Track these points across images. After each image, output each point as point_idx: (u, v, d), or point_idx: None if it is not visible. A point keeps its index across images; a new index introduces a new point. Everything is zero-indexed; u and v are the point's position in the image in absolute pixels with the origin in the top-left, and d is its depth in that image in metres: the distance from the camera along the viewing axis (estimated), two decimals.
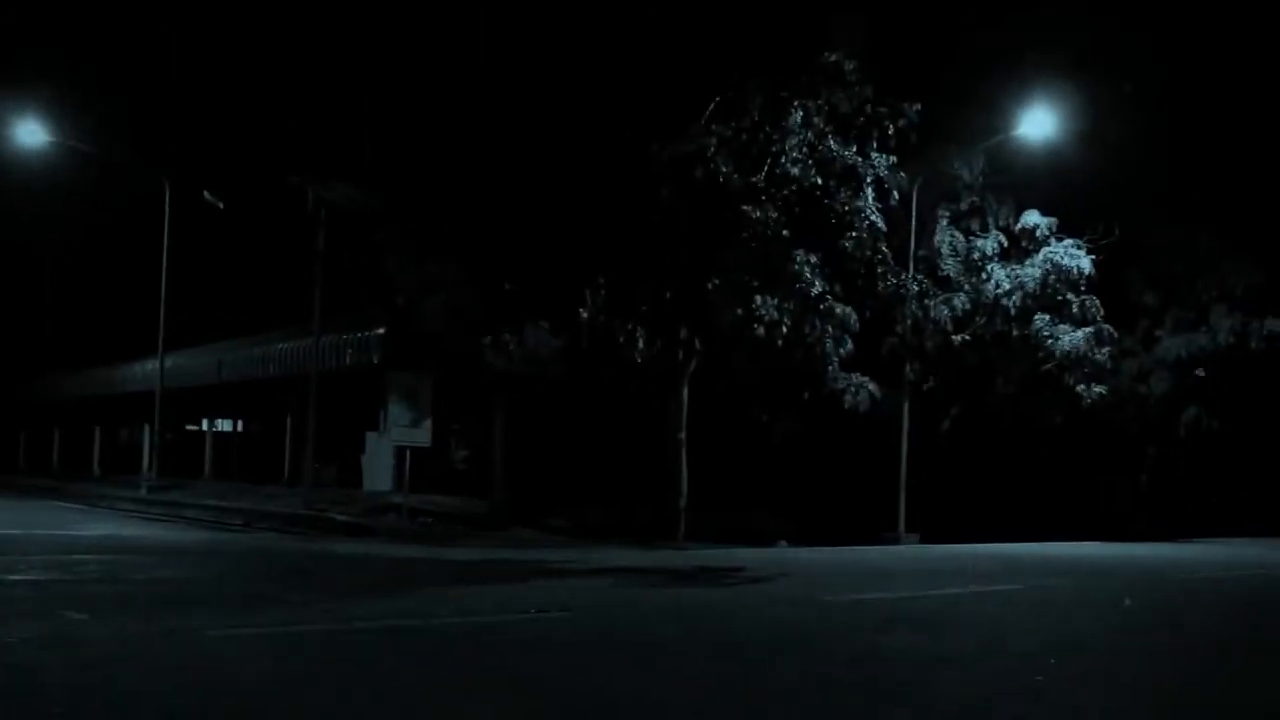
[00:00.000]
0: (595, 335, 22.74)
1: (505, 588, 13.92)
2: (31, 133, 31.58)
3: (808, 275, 22.89)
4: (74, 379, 52.21)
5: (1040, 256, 28.72)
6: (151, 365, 37.17)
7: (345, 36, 27.93)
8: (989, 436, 32.69)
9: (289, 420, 35.95)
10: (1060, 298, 28.66)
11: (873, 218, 23.56)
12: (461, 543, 22.05)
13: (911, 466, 27.49)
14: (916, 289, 27.34)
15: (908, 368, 28.05)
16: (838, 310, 23.86)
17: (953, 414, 31.36)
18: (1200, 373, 32.63)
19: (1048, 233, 28.94)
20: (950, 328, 28.74)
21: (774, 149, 22.46)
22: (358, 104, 25.60)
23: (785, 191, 22.61)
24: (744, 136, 22.40)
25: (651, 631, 10.58)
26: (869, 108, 23.38)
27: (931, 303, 28.34)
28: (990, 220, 29.46)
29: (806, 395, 25.28)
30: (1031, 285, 28.52)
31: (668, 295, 23.16)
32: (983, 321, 29.15)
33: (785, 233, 22.56)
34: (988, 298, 28.86)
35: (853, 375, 25.30)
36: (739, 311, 22.69)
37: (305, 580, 14.30)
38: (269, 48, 39.01)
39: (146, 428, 43.28)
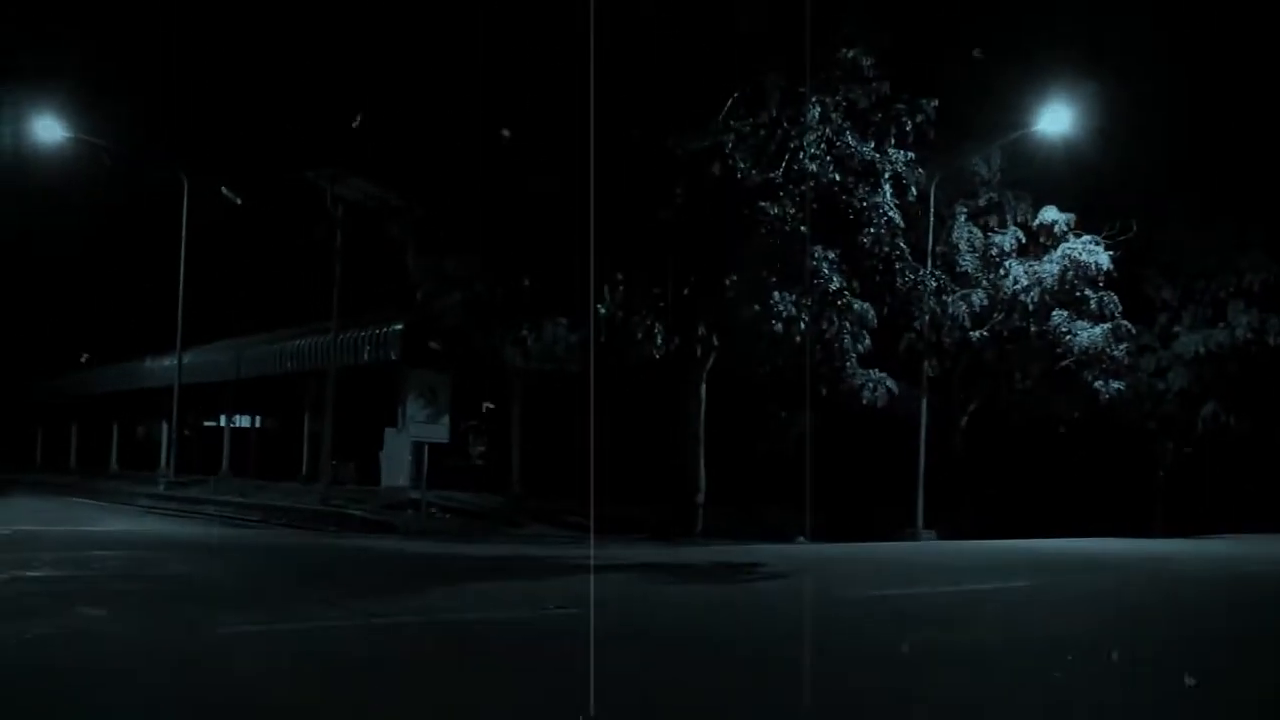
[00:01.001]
0: (613, 331, 22.72)
1: (523, 583, 13.91)
2: (48, 129, 31.63)
3: (825, 271, 22.92)
4: (91, 375, 52.28)
5: (1058, 253, 28.67)
6: (169, 361, 37.22)
7: (364, 33, 27.99)
8: (1007, 433, 32.64)
9: (307, 416, 35.96)
10: (1078, 294, 28.60)
11: (891, 214, 23.59)
12: (479, 538, 22.11)
13: (929, 463, 27.46)
14: (934, 285, 27.33)
15: (925, 364, 28.02)
16: (855, 306, 23.90)
17: (970, 410, 31.34)
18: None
19: (1065, 229, 28.91)
20: (968, 324, 28.68)
21: (791, 145, 22.47)
22: (376, 100, 25.63)
23: (803, 187, 22.62)
24: (761, 132, 22.41)
25: (669, 628, 10.55)
26: (887, 104, 23.39)
27: (949, 299, 28.30)
28: (1008, 216, 29.41)
29: (824, 391, 25.23)
30: (1049, 281, 28.46)
31: (685, 291, 23.15)
32: (1000, 318, 29.10)
33: (803, 229, 22.57)
34: (1006, 294, 28.80)
35: (871, 371, 25.30)
36: (757, 307, 22.72)
37: (323, 577, 14.33)
38: (286, 43, 39.04)
39: (164, 424, 43.35)
